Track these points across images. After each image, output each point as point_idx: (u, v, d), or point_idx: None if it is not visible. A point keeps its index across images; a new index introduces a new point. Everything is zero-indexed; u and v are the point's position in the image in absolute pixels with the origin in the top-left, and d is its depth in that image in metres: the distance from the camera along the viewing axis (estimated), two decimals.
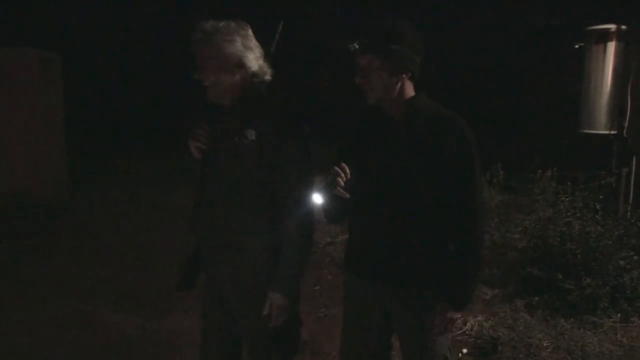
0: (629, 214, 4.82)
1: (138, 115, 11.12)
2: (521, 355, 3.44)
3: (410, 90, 1.98)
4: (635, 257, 4.14)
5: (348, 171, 1.84)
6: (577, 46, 5.84)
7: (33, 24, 10.73)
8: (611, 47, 5.45)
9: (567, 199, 4.58)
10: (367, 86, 1.93)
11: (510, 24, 9.70)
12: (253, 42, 2.02)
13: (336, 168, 1.84)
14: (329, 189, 1.85)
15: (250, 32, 2.03)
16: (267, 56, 2.05)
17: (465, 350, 3.54)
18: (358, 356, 2.18)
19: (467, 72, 9.41)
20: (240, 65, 1.99)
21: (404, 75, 1.93)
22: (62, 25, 11.07)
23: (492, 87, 9.59)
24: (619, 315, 3.92)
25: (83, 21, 11.44)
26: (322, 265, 5.08)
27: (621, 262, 4.08)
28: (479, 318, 3.89)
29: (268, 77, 2.07)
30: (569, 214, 4.48)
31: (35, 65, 7.11)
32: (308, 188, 2.02)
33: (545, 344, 3.56)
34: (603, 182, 4.56)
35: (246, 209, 2.03)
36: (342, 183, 1.83)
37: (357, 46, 1.91)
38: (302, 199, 2.00)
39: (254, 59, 2.01)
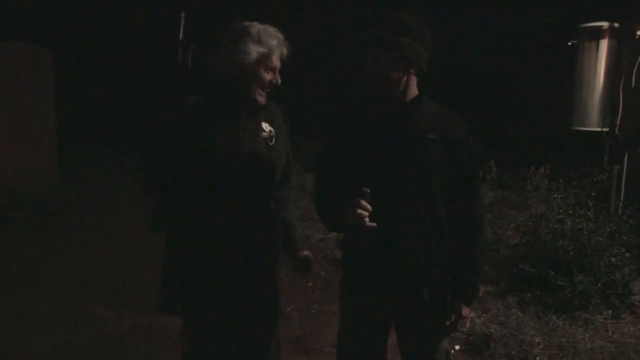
0: (620, 210, 4.85)
1: (130, 109, 11.05)
2: (513, 352, 3.44)
3: (414, 88, 1.97)
4: (627, 254, 4.17)
5: (368, 205, 1.81)
6: (569, 43, 5.86)
7: (24, 18, 10.64)
8: (604, 44, 5.48)
9: (560, 196, 4.60)
10: (376, 78, 1.92)
11: (502, 21, 9.70)
12: None
13: (362, 206, 1.80)
14: (356, 224, 1.82)
15: None
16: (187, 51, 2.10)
17: (457, 347, 3.55)
18: (356, 356, 2.17)
19: (458, 69, 9.41)
20: None
21: (412, 70, 1.92)
22: (53, 20, 10.99)
23: (484, 84, 9.59)
24: (610, 311, 3.94)
25: (74, 15, 11.35)
26: (314, 262, 5.06)
27: (612, 259, 4.10)
28: (472, 315, 3.90)
29: None
30: (561, 210, 4.50)
31: (26, 60, 7.06)
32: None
33: (537, 341, 3.57)
34: (595, 179, 4.58)
35: (266, 208, 2.13)
36: (367, 215, 1.81)
37: (368, 37, 1.90)
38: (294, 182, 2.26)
39: None
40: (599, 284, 4.02)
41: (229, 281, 2.05)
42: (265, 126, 2.08)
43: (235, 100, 2.02)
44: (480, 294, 4.33)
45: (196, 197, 1.97)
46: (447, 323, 2.03)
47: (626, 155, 5.29)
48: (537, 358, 3.41)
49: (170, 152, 1.98)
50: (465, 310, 2.03)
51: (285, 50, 2.02)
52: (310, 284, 4.57)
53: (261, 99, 2.01)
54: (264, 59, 1.97)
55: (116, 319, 3.89)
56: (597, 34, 5.51)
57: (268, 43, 1.97)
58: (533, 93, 9.09)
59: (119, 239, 5.60)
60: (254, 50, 1.95)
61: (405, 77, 1.92)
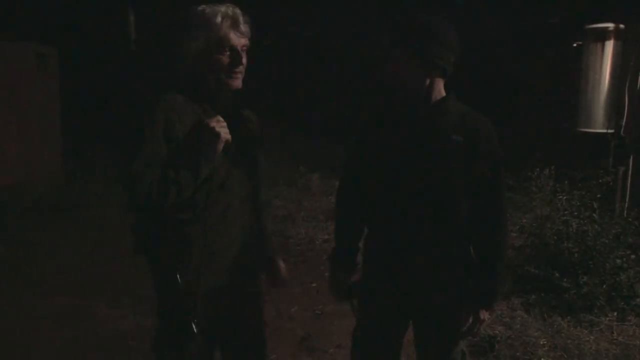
0: (625, 212, 4.83)
1: (135, 108, 11.07)
2: (518, 354, 3.43)
3: (441, 90, 1.96)
4: (632, 256, 4.15)
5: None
6: (575, 44, 5.84)
7: (29, 17, 10.68)
8: (609, 45, 5.45)
9: (565, 198, 4.59)
10: (395, 81, 1.92)
11: (507, 21, 9.69)
12: None
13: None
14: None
15: None
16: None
17: None
18: (371, 353, 2.17)
19: (463, 69, 9.42)
20: None
21: (434, 73, 1.91)
22: (58, 19, 11.03)
23: (489, 85, 9.58)
24: (615, 313, 3.92)
25: (79, 14, 11.40)
26: (319, 263, 5.07)
27: (618, 261, 4.08)
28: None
29: None
30: (566, 212, 4.48)
31: (31, 59, 7.10)
32: None
33: (542, 342, 3.56)
34: (600, 180, 4.56)
35: (253, 207, 2.06)
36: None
37: (388, 39, 1.89)
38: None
39: None
40: (604, 286, 4.00)
41: (222, 282, 2.00)
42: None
43: (205, 92, 1.91)
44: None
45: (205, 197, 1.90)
46: (465, 327, 2.03)
47: (631, 156, 5.26)
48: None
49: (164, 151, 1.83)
50: (484, 314, 2.03)
51: (242, 26, 1.89)
52: (314, 284, 4.58)
53: (233, 82, 1.91)
54: (213, 41, 1.86)
55: (120, 318, 3.90)
56: (603, 35, 5.48)
57: (213, 23, 1.85)
58: (538, 94, 9.08)
59: (123, 239, 5.59)
60: (200, 36, 1.85)
61: (428, 80, 1.91)
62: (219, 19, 1.86)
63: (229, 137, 1.85)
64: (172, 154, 1.82)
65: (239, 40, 1.89)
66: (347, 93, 11.04)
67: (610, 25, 5.43)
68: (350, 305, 2.21)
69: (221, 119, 1.84)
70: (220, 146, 1.84)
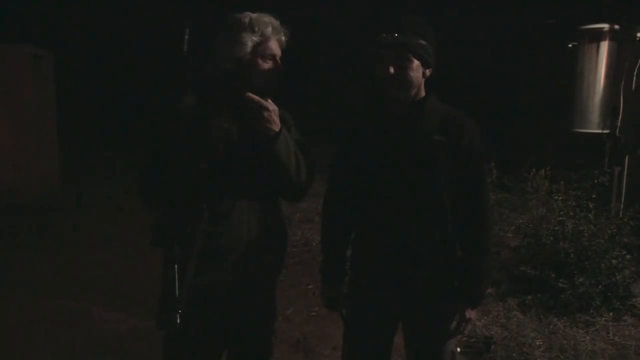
0: (621, 212, 4.84)
1: (131, 110, 11.07)
2: (514, 354, 3.44)
3: (423, 89, 1.98)
4: (628, 256, 4.16)
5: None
6: (570, 45, 5.86)
7: (25, 20, 10.67)
8: (604, 46, 5.48)
9: (560, 198, 4.59)
10: (397, 80, 1.91)
11: (503, 22, 9.70)
12: None
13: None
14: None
15: None
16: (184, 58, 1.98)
17: (458, 349, 3.53)
18: (361, 355, 2.17)
19: (457, 70, 9.42)
20: None
21: (427, 72, 1.94)
22: (54, 22, 11.02)
23: (484, 85, 9.59)
24: (611, 313, 3.93)
25: (75, 17, 11.38)
26: (315, 264, 5.07)
27: (614, 261, 4.09)
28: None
29: None
30: (562, 212, 4.49)
31: (27, 62, 7.08)
32: None
33: (538, 343, 3.56)
34: (596, 181, 4.57)
35: (269, 212, 2.01)
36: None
37: (390, 41, 1.88)
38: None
39: None
40: (600, 286, 4.01)
41: (225, 283, 1.96)
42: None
43: (234, 94, 1.91)
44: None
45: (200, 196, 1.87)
46: (452, 325, 2.04)
47: (627, 157, 5.28)
48: None
49: (167, 149, 1.86)
50: (470, 313, 2.03)
51: (283, 37, 1.96)
52: (310, 286, 4.57)
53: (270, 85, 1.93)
54: (259, 47, 1.91)
55: (115, 322, 3.89)
56: (598, 36, 5.51)
57: (262, 31, 1.91)
58: (533, 95, 9.09)
59: (119, 241, 5.60)
60: (249, 40, 1.90)
61: (424, 79, 1.95)
62: (269, 28, 1.93)
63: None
64: (169, 149, 1.86)
65: (278, 50, 1.95)
66: (343, 93, 11.06)
67: (605, 26, 5.46)
68: (341, 315, 2.21)
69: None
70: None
